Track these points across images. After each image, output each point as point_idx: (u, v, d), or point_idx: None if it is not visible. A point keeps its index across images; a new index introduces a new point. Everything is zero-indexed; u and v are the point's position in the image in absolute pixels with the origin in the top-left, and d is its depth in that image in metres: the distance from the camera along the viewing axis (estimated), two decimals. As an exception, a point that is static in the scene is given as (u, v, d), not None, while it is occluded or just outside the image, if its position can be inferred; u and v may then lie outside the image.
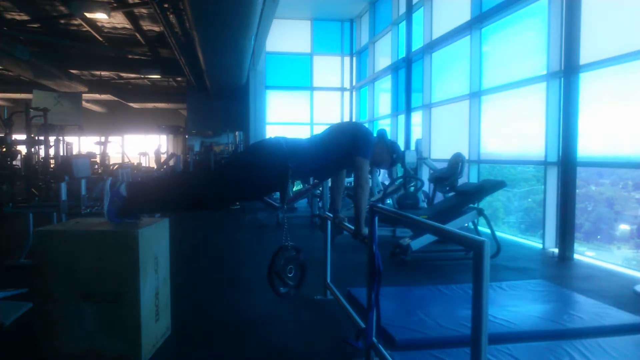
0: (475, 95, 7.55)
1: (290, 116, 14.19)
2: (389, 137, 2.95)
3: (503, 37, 7.25)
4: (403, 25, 10.11)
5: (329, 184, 6.15)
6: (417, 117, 9.80)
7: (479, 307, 1.51)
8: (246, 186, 2.64)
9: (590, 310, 3.33)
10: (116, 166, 13.06)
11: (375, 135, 2.86)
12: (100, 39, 11.72)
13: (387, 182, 7.60)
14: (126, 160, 15.57)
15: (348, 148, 2.69)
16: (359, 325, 2.72)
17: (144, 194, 2.70)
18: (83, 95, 16.01)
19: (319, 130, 14.17)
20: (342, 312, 3.22)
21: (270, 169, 2.57)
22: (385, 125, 12.21)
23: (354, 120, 14.38)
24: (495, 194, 6.02)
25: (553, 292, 3.86)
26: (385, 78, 11.96)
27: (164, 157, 15.03)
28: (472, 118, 7.60)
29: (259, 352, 2.80)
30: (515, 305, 3.44)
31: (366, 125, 13.28)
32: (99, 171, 13.31)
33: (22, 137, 9.99)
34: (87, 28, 10.73)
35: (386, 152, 2.85)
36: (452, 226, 4.77)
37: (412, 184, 7.56)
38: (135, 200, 2.64)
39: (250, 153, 2.79)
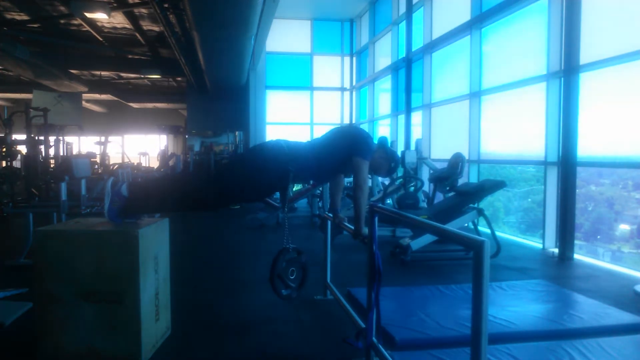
0: (475, 95, 7.55)
1: (290, 116, 14.19)
2: (389, 144, 2.96)
3: (503, 37, 7.25)
4: (403, 25, 10.11)
5: (329, 184, 6.14)
6: (417, 117, 9.80)
7: (479, 307, 1.51)
8: (247, 187, 2.65)
9: (590, 310, 3.33)
10: (116, 166, 13.08)
11: (376, 141, 2.87)
12: (100, 39, 11.72)
13: (387, 182, 7.60)
14: (126, 160, 15.58)
15: (347, 151, 2.70)
16: (359, 325, 2.72)
17: (144, 194, 2.69)
18: (83, 95, 16.00)
19: (319, 130, 14.18)
20: (342, 312, 3.22)
21: (271, 171, 2.59)
22: (385, 125, 12.21)
23: (354, 121, 14.39)
24: (496, 194, 6.02)
25: (553, 292, 3.85)
26: (385, 78, 11.96)
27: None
28: (472, 118, 7.60)
29: (259, 352, 2.80)
30: (515, 305, 3.44)
31: (366, 125, 13.29)
32: (99, 171, 13.32)
33: (22, 137, 9.99)
34: (87, 28, 10.73)
35: (385, 160, 2.86)
36: (452, 226, 4.77)
37: (412, 184, 7.56)
38: (136, 201, 2.64)
39: (251, 155, 2.80)
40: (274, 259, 2.73)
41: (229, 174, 2.74)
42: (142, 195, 2.67)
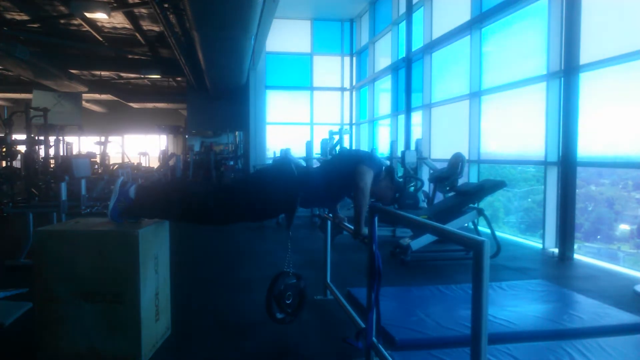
0: (475, 95, 7.55)
1: (290, 116, 14.19)
2: (395, 174, 2.95)
3: (503, 37, 7.25)
4: (403, 25, 10.10)
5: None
6: (417, 117, 9.80)
7: (479, 307, 1.51)
8: (255, 208, 2.69)
9: (590, 310, 3.33)
10: (116, 166, 13.08)
11: (383, 169, 2.86)
12: (100, 39, 11.71)
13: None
14: (126, 160, 15.58)
15: (354, 167, 2.69)
16: (359, 325, 2.72)
17: (151, 200, 2.70)
18: (83, 95, 16.00)
19: (319, 130, 14.12)
20: (342, 312, 3.22)
21: (280, 195, 2.64)
22: (385, 125, 12.21)
23: (354, 121, 14.40)
24: (496, 194, 6.02)
25: (553, 292, 3.86)
26: (385, 78, 11.96)
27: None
28: (472, 118, 7.60)
29: (258, 352, 2.80)
30: (515, 305, 3.44)
31: (366, 125, 13.29)
32: (99, 171, 13.33)
33: (22, 137, 9.99)
34: (87, 28, 10.73)
35: (391, 190, 2.87)
36: (452, 226, 4.77)
37: (412, 184, 7.56)
38: (141, 205, 2.65)
39: (262, 177, 2.82)
40: (272, 280, 2.74)
41: (239, 192, 2.76)
42: (148, 200, 2.68)
